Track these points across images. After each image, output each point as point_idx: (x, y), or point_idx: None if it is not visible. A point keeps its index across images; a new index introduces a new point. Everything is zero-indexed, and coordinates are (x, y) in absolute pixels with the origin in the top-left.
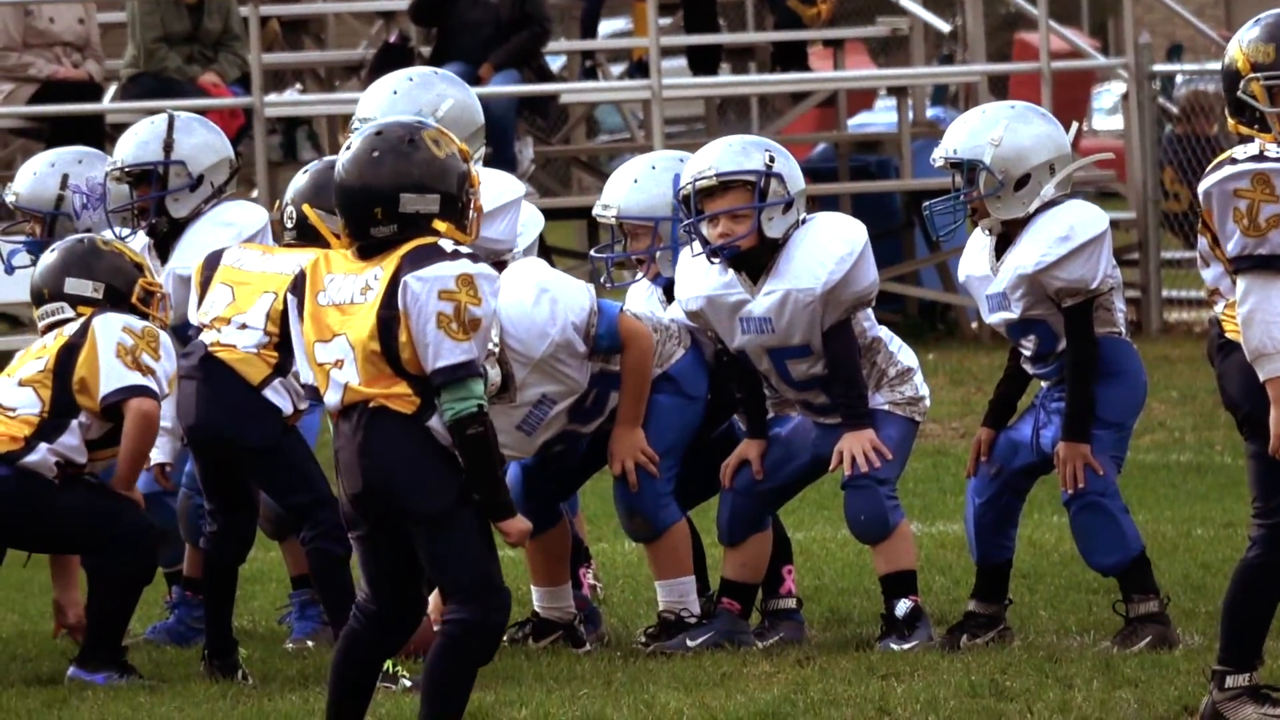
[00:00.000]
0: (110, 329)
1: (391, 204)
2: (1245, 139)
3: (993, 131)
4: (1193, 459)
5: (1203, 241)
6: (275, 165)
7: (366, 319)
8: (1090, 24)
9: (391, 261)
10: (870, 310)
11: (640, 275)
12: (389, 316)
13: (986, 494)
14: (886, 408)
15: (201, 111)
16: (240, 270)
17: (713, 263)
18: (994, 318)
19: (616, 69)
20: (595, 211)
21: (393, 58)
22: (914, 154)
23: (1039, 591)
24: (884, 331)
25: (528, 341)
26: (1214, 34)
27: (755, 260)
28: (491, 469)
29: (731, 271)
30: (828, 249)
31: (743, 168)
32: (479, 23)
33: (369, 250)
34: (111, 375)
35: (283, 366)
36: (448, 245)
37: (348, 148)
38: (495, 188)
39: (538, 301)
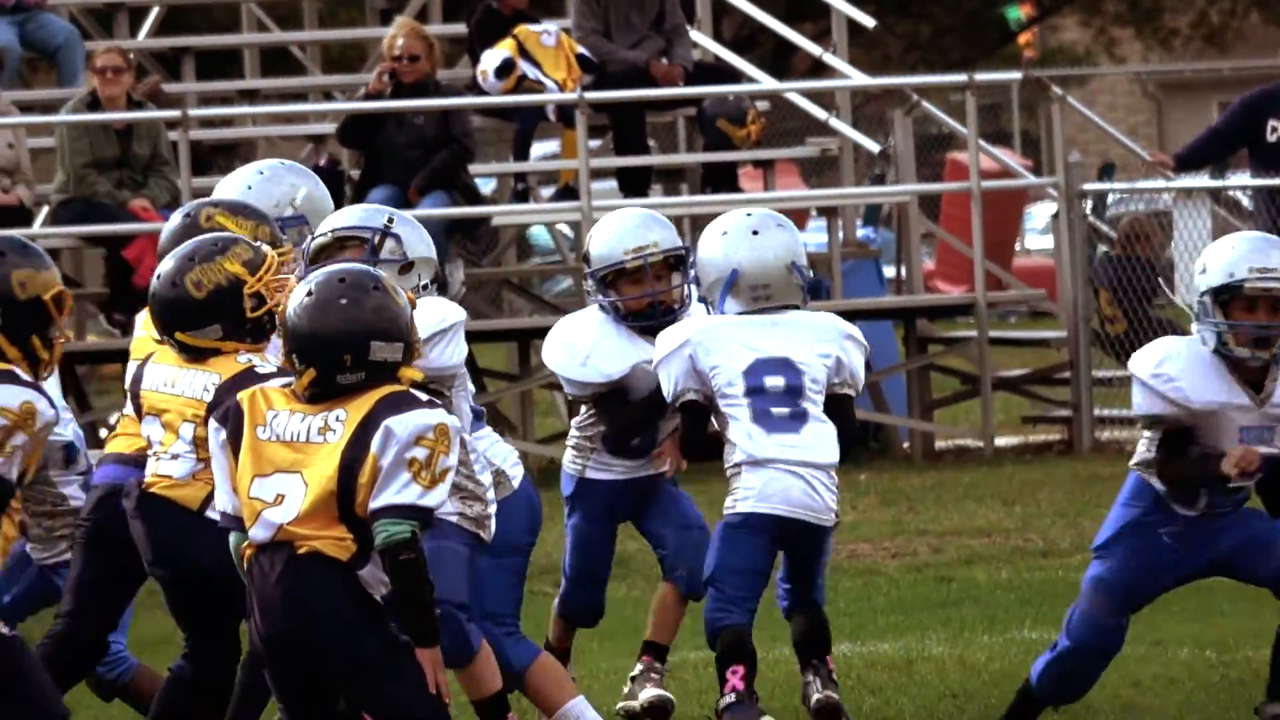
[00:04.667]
0: None
1: (362, 351)
2: None
3: None
4: None
5: None
6: None
7: (330, 459)
8: (1022, 143)
9: (362, 405)
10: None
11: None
12: (354, 459)
13: None
14: (455, 519)
15: (133, 236)
16: (160, 395)
17: None
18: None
19: (547, 191)
20: (627, 256)
21: (323, 181)
22: (844, 274)
23: (968, 711)
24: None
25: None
26: (1145, 154)
27: None
28: (420, 594)
29: None
30: None
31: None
32: (406, 145)
33: (325, 395)
34: None
35: None
36: (421, 395)
37: (308, 294)
38: (437, 313)
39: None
